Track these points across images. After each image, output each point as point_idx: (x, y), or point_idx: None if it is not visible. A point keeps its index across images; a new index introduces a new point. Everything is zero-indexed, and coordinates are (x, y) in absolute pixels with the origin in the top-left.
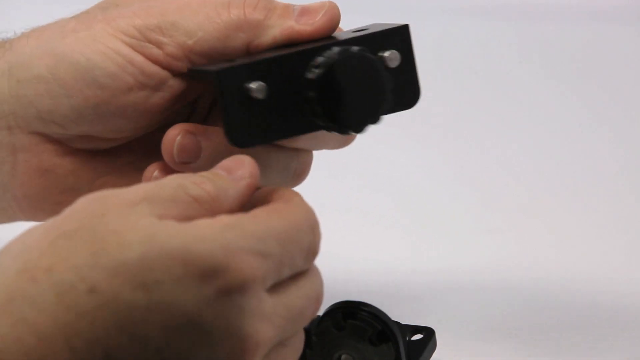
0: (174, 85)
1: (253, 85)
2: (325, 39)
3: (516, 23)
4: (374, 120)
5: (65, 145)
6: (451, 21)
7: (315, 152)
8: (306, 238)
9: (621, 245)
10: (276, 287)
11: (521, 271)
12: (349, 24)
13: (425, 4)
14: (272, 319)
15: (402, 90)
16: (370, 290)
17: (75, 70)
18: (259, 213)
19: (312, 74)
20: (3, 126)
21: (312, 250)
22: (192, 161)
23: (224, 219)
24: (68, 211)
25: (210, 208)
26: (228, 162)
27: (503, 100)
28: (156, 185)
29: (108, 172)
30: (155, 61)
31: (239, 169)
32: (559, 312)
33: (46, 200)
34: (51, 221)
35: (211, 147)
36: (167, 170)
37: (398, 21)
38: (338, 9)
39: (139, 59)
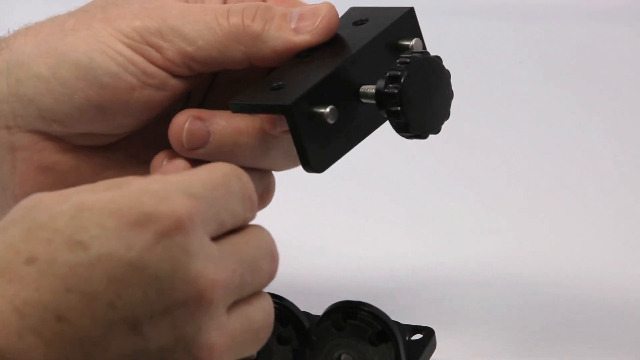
0: (176, 85)
1: (324, 110)
2: (337, 38)
3: (516, 23)
4: (447, 116)
5: (66, 142)
6: (451, 21)
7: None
8: (235, 183)
9: (621, 244)
10: (222, 236)
11: (521, 271)
12: None
13: (425, 4)
14: (222, 263)
15: None
16: (370, 290)
17: (77, 70)
18: (183, 172)
19: (392, 88)
20: (2, 125)
21: (247, 196)
22: (202, 146)
23: (148, 177)
24: (8, 214)
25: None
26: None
27: (503, 100)
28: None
29: (110, 167)
30: (154, 63)
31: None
32: (559, 312)
33: None
34: None
35: (219, 131)
36: (175, 158)
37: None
38: (335, 11)
39: (139, 59)
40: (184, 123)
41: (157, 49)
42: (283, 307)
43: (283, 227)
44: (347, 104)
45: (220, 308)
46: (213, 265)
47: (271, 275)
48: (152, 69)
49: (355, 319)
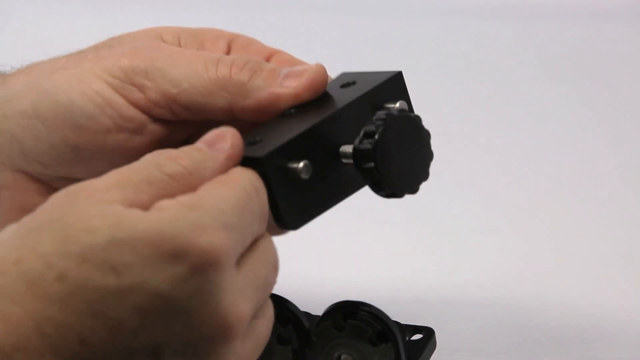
0: (154, 130)
1: (297, 165)
2: (323, 99)
3: (516, 23)
4: (426, 177)
5: (47, 185)
6: (451, 21)
7: None
8: (256, 201)
9: (622, 243)
10: (241, 258)
11: (521, 271)
12: (356, 26)
13: (425, 4)
14: (246, 292)
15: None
16: (370, 290)
17: (56, 108)
18: (209, 188)
19: (366, 144)
20: None
21: (262, 213)
22: None
23: (182, 199)
24: (40, 207)
25: (188, 183)
26: (210, 135)
27: (503, 100)
28: (129, 169)
29: None
30: (135, 104)
31: (219, 142)
32: (559, 312)
33: None
34: (24, 218)
35: None
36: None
37: (395, 26)
38: (323, 71)
39: (119, 101)
40: None
41: (141, 88)
42: (283, 307)
43: None
44: (327, 162)
45: (241, 337)
46: (240, 298)
47: (274, 285)
48: (131, 112)
49: (355, 319)
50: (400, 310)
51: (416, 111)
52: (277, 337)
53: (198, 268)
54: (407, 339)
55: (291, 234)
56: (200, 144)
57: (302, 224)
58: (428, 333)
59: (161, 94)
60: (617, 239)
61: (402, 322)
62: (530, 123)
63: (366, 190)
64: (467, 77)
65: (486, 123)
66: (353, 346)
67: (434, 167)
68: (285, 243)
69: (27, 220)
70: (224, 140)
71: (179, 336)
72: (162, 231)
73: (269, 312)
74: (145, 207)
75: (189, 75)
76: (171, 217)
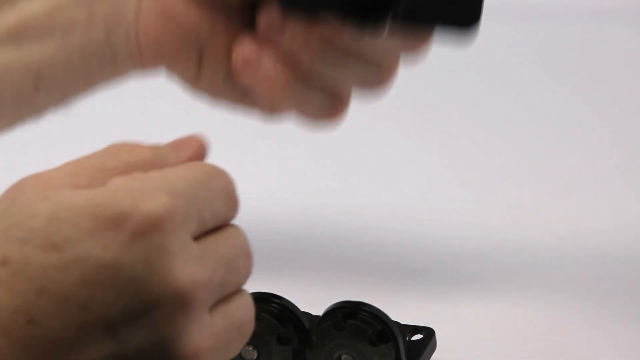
0: None
1: None
2: None
3: (516, 23)
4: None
5: None
6: None
7: (309, 152)
8: (217, 181)
9: (622, 244)
10: (202, 235)
11: (521, 271)
12: None
13: None
14: (203, 262)
15: (462, 6)
16: (370, 290)
17: None
18: (164, 169)
19: None
20: None
21: (229, 194)
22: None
23: (131, 175)
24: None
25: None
26: (177, 140)
27: (502, 100)
28: (83, 159)
29: (229, 34)
30: None
31: (185, 149)
32: (560, 312)
33: (166, 48)
34: None
35: None
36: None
37: None
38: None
39: None
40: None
41: None
42: (283, 307)
43: (285, 227)
44: None
45: (203, 308)
46: (193, 265)
47: (248, 274)
48: None
49: (355, 319)
50: (400, 310)
51: (416, 111)
52: (277, 337)
53: (139, 233)
54: (407, 339)
55: (293, 234)
56: (164, 145)
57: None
58: (428, 333)
59: None
60: (618, 238)
61: (402, 322)
62: (530, 122)
63: (367, 190)
64: (467, 76)
65: (486, 123)
66: (353, 346)
67: (434, 167)
68: (287, 243)
69: None
70: (189, 147)
71: (130, 307)
72: (103, 201)
73: (245, 299)
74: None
75: None
76: (113, 188)
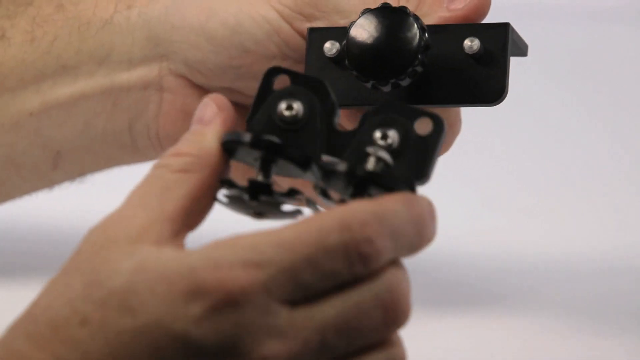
0: None
1: None
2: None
3: (516, 23)
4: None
5: (208, 91)
6: None
7: None
8: (335, 237)
9: (622, 244)
10: (307, 298)
11: (522, 271)
12: None
13: None
14: (291, 334)
15: (486, 83)
16: None
17: (224, 30)
18: (259, 232)
19: None
20: (155, 67)
21: (355, 251)
22: None
23: (224, 241)
24: (77, 247)
25: (199, 167)
26: (197, 111)
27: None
28: (157, 200)
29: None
30: (302, 34)
31: (206, 112)
32: (559, 311)
33: None
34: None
35: None
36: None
37: None
38: None
39: (286, 29)
40: None
41: (309, 18)
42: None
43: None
44: None
45: None
46: (273, 339)
47: (386, 327)
48: (296, 40)
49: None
50: None
51: None
52: None
53: (215, 308)
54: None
55: None
56: (193, 125)
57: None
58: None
59: (330, 24)
60: (618, 239)
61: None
62: (529, 122)
63: None
64: None
65: (486, 123)
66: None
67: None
68: None
69: (65, 262)
70: (208, 107)
71: None
72: (181, 268)
73: (381, 355)
74: (179, 234)
75: (359, 6)
76: (195, 255)
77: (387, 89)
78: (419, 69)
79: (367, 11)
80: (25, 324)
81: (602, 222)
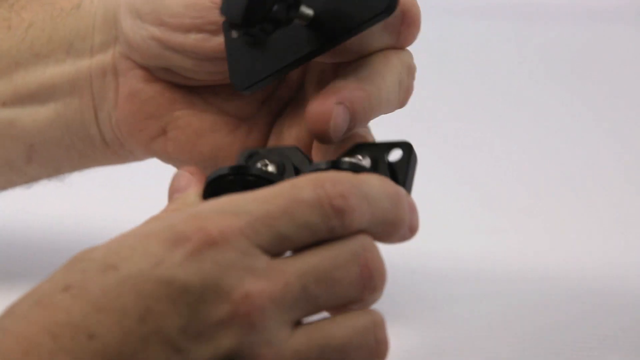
0: None
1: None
2: None
3: (516, 23)
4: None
5: (150, 73)
6: (451, 21)
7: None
8: (307, 192)
9: (622, 244)
10: (296, 251)
11: (521, 271)
12: None
13: (425, 4)
14: (273, 275)
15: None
16: None
17: (147, 3)
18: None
19: None
20: (110, 51)
21: (328, 204)
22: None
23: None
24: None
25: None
26: (171, 185)
27: (503, 100)
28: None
29: (187, 107)
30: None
31: (181, 181)
32: (559, 312)
33: (134, 126)
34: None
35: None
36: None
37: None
38: None
39: (202, 1)
40: (329, 111)
41: None
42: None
43: None
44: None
45: (271, 322)
46: (254, 278)
47: (363, 285)
48: (213, 13)
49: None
50: (400, 310)
51: (416, 111)
52: None
53: (195, 251)
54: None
55: None
56: (170, 197)
57: (250, 85)
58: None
59: None
60: (618, 238)
61: (402, 322)
62: (530, 122)
63: None
64: (467, 77)
65: (486, 123)
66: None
67: (434, 167)
68: None
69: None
70: (182, 175)
71: (186, 318)
72: (158, 225)
73: (355, 320)
74: None
75: None
76: (169, 216)
77: (271, 30)
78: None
79: None
80: (8, 307)
81: (602, 222)
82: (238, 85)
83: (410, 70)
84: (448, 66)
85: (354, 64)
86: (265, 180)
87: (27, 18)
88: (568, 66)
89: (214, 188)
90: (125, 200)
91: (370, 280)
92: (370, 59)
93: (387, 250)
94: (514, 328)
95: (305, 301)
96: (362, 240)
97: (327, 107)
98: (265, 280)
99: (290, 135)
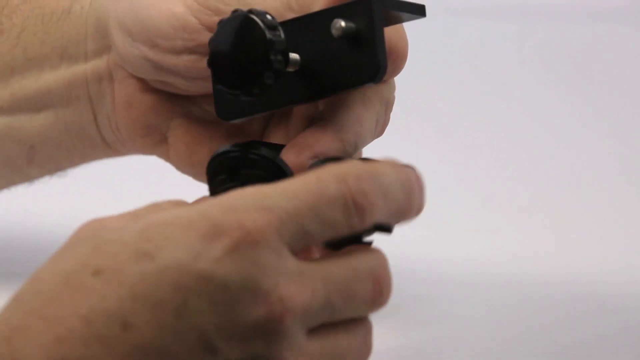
0: None
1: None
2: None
3: (516, 23)
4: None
5: (146, 83)
6: (451, 21)
7: None
8: (333, 187)
9: (622, 243)
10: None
11: (522, 272)
12: None
13: (426, 4)
14: (303, 280)
15: (360, 64)
16: None
17: (135, 24)
18: (264, 185)
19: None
20: (104, 58)
21: (351, 201)
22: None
23: (223, 195)
24: (73, 234)
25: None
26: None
27: (503, 100)
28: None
29: (184, 115)
30: (210, 29)
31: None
32: (560, 313)
33: (135, 133)
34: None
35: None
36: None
37: None
38: None
39: (193, 23)
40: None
41: (217, 12)
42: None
43: None
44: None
45: (296, 327)
46: (288, 281)
47: (373, 301)
48: (204, 35)
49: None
50: (400, 310)
51: (416, 111)
52: None
53: (232, 246)
54: None
55: None
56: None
57: (234, 118)
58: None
59: None
60: (618, 238)
61: (402, 322)
62: (530, 122)
63: None
64: (467, 77)
65: (486, 123)
66: None
67: (434, 167)
68: None
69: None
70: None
71: (223, 317)
72: (194, 215)
73: (359, 332)
74: None
75: (266, 1)
76: (203, 204)
77: (257, 93)
78: (278, 66)
79: (221, 21)
80: (32, 285)
81: (603, 222)
82: (222, 116)
83: (388, 105)
84: (448, 66)
85: (332, 106)
86: (268, 159)
87: (19, 23)
88: (568, 66)
89: (217, 163)
90: (125, 200)
91: (379, 297)
92: (349, 100)
93: (387, 251)
94: (514, 328)
95: (324, 310)
96: (378, 255)
97: (301, 160)
98: (296, 284)
99: (282, 142)
